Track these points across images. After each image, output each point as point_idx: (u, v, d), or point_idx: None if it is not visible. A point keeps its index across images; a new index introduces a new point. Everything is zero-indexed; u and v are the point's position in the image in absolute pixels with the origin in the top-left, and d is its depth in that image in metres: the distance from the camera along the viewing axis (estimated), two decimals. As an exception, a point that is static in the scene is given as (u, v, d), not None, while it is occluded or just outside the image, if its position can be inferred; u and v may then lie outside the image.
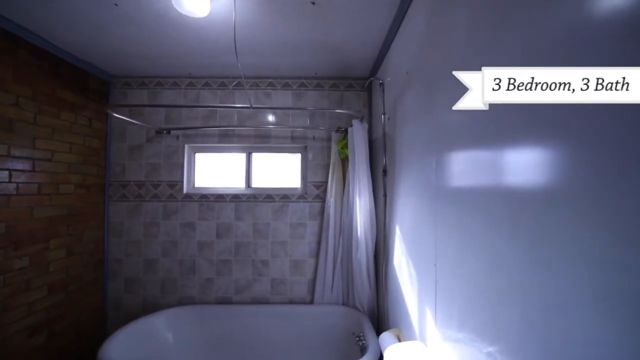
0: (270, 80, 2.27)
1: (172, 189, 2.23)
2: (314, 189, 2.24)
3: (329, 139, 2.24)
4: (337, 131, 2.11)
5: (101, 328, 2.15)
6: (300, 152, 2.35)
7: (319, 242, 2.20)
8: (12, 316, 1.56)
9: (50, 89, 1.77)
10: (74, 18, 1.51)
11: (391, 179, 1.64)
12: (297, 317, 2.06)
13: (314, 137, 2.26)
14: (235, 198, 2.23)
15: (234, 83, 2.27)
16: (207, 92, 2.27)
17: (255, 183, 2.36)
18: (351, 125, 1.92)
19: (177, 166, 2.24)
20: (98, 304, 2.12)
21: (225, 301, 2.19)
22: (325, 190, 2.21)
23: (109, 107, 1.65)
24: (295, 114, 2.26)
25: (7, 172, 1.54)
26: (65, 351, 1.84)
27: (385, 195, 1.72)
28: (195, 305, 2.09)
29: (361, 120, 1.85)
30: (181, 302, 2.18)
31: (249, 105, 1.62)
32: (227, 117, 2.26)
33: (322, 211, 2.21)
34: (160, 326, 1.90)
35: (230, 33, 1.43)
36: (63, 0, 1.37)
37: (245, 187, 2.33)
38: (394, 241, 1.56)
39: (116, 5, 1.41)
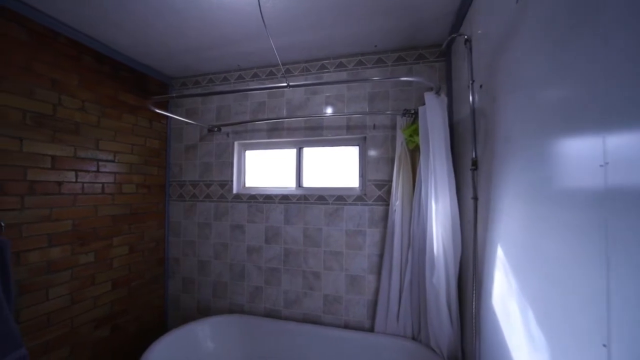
0: (322, 62, 1.95)
1: (222, 189, 2.13)
2: (375, 189, 1.82)
3: (393, 127, 1.79)
4: (403, 114, 1.64)
5: (162, 325, 2.20)
6: (358, 145, 1.95)
7: (381, 256, 1.77)
8: (80, 308, 1.64)
9: (112, 92, 1.84)
10: (126, 18, 1.48)
11: (486, 175, 1.11)
12: (354, 346, 1.68)
13: (374, 126, 1.84)
14: (284, 199, 1.99)
15: (283, 70, 2.03)
16: (256, 83, 2.09)
17: (307, 182, 2.08)
18: (423, 104, 1.43)
19: (227, 165, 2.14)
20: (159, 302, 2.17)
21: (274, 314, 1.96)
22: (389, 191, 1.77)
23: (149, 102, 1.58)
24: (351, 99, 1.88)
25: (73, 173, 1.62)
26: (127, 346, 1.91)
27: (475, 199, 1.19)
28: (243, 316, 1.93)
29: (437, 93, 1.34)
30: (231, 309, 2.05)
31: (285, 85, 1.32)
32: (275, 109, 2.04)
33: (386, 217, 1.77)
34: (203, 335, 1.79)
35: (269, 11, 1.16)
36: (115, 3, 1.34)
37: (296, 187, 2.07)
38: (492, 267, 1.03)
39: (148, -11, 1.29)
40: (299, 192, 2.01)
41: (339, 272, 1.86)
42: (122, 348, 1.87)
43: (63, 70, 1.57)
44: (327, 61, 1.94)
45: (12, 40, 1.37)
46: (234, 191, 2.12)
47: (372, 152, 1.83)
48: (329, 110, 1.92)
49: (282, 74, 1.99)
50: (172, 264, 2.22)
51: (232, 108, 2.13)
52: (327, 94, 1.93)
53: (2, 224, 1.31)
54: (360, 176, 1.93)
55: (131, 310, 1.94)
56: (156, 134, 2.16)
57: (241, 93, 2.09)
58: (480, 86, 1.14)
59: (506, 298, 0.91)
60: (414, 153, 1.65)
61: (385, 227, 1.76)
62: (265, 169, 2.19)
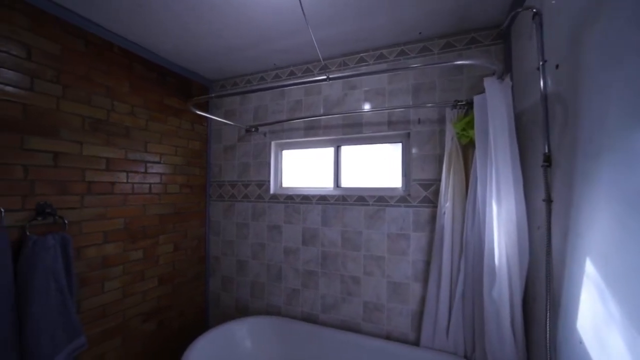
0: (361, 54, 1.84)
1: (260, 189, 2.13)
2: (421, 189, 1.67)
3: (441, 120, 1.62)
4: (454, 107, 1.47)
5: (203, 322, 2.27)
6: (401, 141, 1.81)
7: (427, 263, 1.62)
8: (130, 302, 1.74)
9: (158, 97, 1.93)
10: (170, 25, 1.53)
11: (564, 173, 0.92)
12: (397, 359, 1.55)
13: (419, 120, 1.69)
14: (322, 200, 1.92)
15: (319, 67, 1.97)
16: (292, 81, 2.04)
17: (345, 182, 1.99)
18: (479, 93, 1.26)
19: (264, 165, 2.13)
20: (200, 299, 2.24)
21: (311, 318, 1.90)
22: (437, 192, 1.60)
23: (190, 103, 1.62)
24: (393, 92, 1.75)
25: (124, 174, 1.72)
26: (171, 340, 1.98)
27: (548, 201, 1.00)
28: (280, 318, 1.90)
29: (500, 77, 1.16)
30: (268, 310, 2.04)
31: (325, 77, 1.25)
32: (312, 107, 1.98)
33: (433, 220, 1.61)
34: (241, 334, 1.79)
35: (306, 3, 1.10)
36: (155, 10, 1.38)
37: (334, 187, 1.99)
38: (576, 286, 0.85)
39: (188, -8, 1.31)
40: (337, 192, 1.93)
41: (380, 278, 1.74)
42: (167, 342, 1.95)
43: (116, 77, 1.67)
44: (365, 54, 1.83)
45: (75, 53, 1.48)
46: (271, 191, 2.10)
47: (417, 149, 1.68)
48: (369, 106, 1.81)
49: (322, 67, 1.92)
50: (212, 263, 2.28)
51: (269, 108, 2.12)
52: (366, 89, 1.82)
53: (66, 221, 1.42)
54: (403, 175, 1.79)
55: (175, 306, 2.02)
56: (198, 136, 2.24)
57: (278, 92, 2.08)
58: (557, 66, 0.95)
59: (601, 327, 0.73)
60: (467, 149, 1.47)
61: (432, 231, 1.60)
62: (302, 168, 2.15)
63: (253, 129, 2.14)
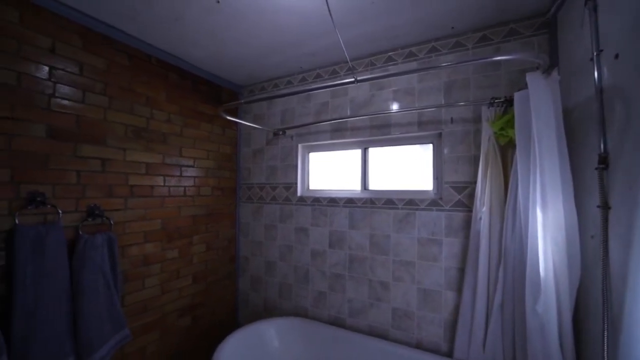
0: (389, 54, 1.79)
1: (287, 192, 2.16)
2: (454, 192, 1.58)
3: (476, 120, 1.52)
4: (490, 104, 1.37)
5: (234, 320, 2.34)
6: (432, 142, 1.73)
7: (461, 270, 1.53)
8: (167, 298, 1.84)
9: (192, 104, 2.03)
10: (202, 35, 1.60)
11: (625, 176, 0.82)
12: (429, 370, 1.48)
13: (451, 120, 1.60)
14: (349, 203, 1.90)
15: (346, 68, 1.95)
16: (319, 84, 2.05)
17: (373, 185, 1.95)
18: (519, 89, 1.16)
19: (291, 168, 2.15)
20: (231, 298, 2.32)
21: (338, 322, 1.89)
22: (471, 195, 1.51)
23: (220, 109, 1.68)
24: (423, 91, 1.68)
25: (162, 177, 1.83)
26: (204, 336, 2.07)
27: (605, 208, 0.89)
28: (307, 320, 1.90)
29: (545, 72, 1.06)
30: (296, 312, 2.06)
31: (352, 80, 1.23)
32: (338, 109, 1.96)
33: (467, 225, 1.52)
34: (269, 334, 1.82)
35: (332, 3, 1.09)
36: (189, 22, 1.45)
37: (361, 190, 1.95)
38: (640, 306, 0.75)
39: (218, 2, 1.36)
40: (365, 195, 1.90)
41: (410, 284, 1.67)
42: (201, 338, 2.05)
43: (154, 87, 1.78)
44: (394, 52, 1.78)
45: (119, 67, 1.60)
46: (298, 194, 2.12)
47: (450, 150, 1.60)
48: (397, 106, 1.75)
49: (348, 68, 1.90)
50: (242, 263, 2.35)
51: (295, 110, 2.14)
52: (395, 88, 1.76)
53: (112, 222, 1.55)
54: (434, 178, 1.71)
55: (208, 304, 2.11)
56: (228, 140, 2.32)
57: (304, 95, 2.09)
58: (616, 56, 0.85)
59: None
60: (506, 150, 1.37)
61: (466, 237, 1.51)
62: (329, 171, 2.14)
63: (280, 132, 2.17)
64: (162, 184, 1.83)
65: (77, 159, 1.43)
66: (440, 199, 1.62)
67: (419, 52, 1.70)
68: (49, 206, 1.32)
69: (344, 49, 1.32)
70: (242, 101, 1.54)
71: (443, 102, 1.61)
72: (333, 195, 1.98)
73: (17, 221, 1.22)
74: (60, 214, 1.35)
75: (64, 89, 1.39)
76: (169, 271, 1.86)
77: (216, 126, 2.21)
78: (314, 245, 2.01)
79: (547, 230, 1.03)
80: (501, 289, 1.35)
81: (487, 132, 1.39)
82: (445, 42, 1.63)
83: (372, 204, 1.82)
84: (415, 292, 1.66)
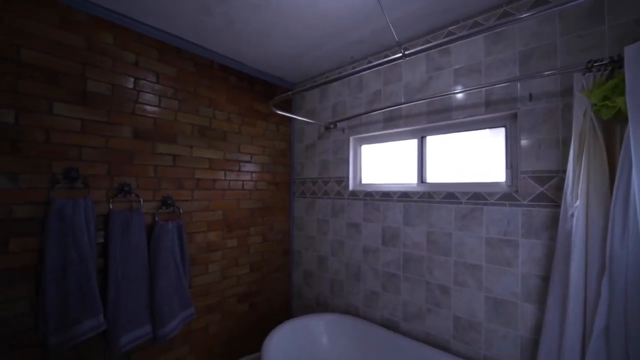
0: (448, 28, 1.59)
1: (339, 186, 2.11)
2: (534, 184, 1.30)
3: (565, 92, 1.22)
4: (587, 70, 1.08)
5: (287, 310, 2.41)
6: (505, 125, 1.47)
7: (545, 279, 1.25)
8: (227, 283, 1.99)
9: (249, 103, 2.16)
10: (253, 35, 1.69)
11: None
12: (502, 395, 1.25)
13: (530, 96, 1.32)
14: (404, 197, 1.75)
15: (398, 52, 1.80)
16: (370, 73, 1.95)
17: (431, 177, 1.75)
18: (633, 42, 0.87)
19: (343, 161, 2.10)
20: (285, 289, 2.39)
21: (391, 325, 1.75)
22: (559, 187, 1.22)
23: (271, 103, 1.73)
24: (492, 66, 1.43)
25: (222, 172, 1.99)
26: (259, 323, 2.18)
27: None
28: (358, 319, 1.82)
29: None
30: (347, 309, 1.99)
31: (400, 55, 1.11)
32: (392, 97, 1.83)
33: (553, 224, 1.23)
34: (318, 329, 1.81)
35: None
36: (243, 22, 1.55)
37: (418, 183, 1.78)
38: None
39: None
40: (422, 188, 1.72)
41: (475, 290, 1.44)
42: (256, 323, 2.16)
43: (216, 90, 1.95)
44: (454, 26, 1.56)
45: (187, 73, 1.80)
46: (350, 188, 2.06)
47: (528, 133, 1.32)
48: (460, 87, 1.54)
49: (400, 49, 1.76)
50: (295, 256, 2.40)
51: (347, 103, 2.08)
52: (457, 67, 1.55)
53: (181, 211, 1.74)
54: (508, 167, 1.44)
55: (263, 292, 2.22)
56: (282, 136, 2.40)
57: (355, 86, 2.02)
58: None
59: None
60: (612, 126, 1.05)
61: (552, 238, 1.23)
62: (383, 164, 2.02)
63: (332, 126, 2.14)
64: (223, 178, 1.99)
65: (154, 155, 1.65)
66: (516, 191, 1.35)
67: (485, 22, 1.46)
68: (133, 195, 1.56)
69: (393, 30, 1.21)
70: (291, 92, 1.55)
71: (518, 75, 1.34)
72: (386, 189, 1.86)
73: (111, 207, 1.47)
74: (142, 202, 1.58)
75: (144, 96, 1.62)
76: (229, 259, 2.01)
77: (271, 123, 2.31)
78: (366, 242, 1.92)
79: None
80: (605, 308, 1.04)
81: (581, 105, 1.10)
82: (521, 3, 1.35)
83: (430, 198, 1.63)
84: (482, 300, 1.42)
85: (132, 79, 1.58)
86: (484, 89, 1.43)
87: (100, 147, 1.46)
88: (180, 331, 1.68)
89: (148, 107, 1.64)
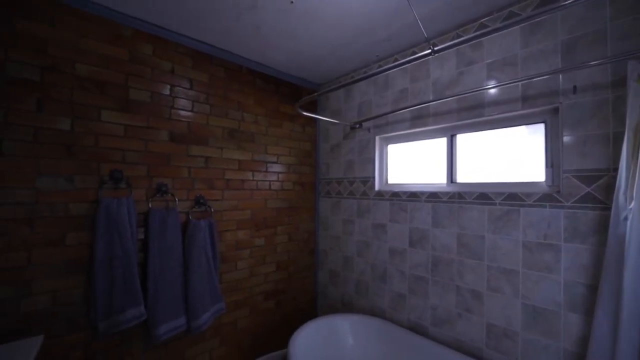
0: (481, 20, 1.51)
1: (364, 186, 2.09)
2: (580, 184, 1.20)
3: (617, 83, 1.11)
4: (641, 57, 0.97)
5: (313, 309, 2.43)
6: (545, 121, 1.36)
7: (592, 288, 1.14)
8: (255, 280, 2.06)
9: (275, 105, 2.21)
10: (281, 37, 1.73)
11: None
12: (542, 411, 1.16)
13: (574, 89, 1.22)
14: (432, 197, 1.69)
15: (427, 48, 1.74)
16: (396, 71, 1.91)
17: (461, 177, 1.68)
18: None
19: (369, 161, 2.08)
20: (310, 288, 2.41)
21: (419, 329, 1.70)
22: (609, 187, 1.11)
23: (296, 105, 1.75)
24: (530, 58, 1.34)
25: (250, 173, 2.06)
26: (286, 320, 2.22)
27: None
28: (385, 321, 1.79)
29: None
30: (373, 311, 1.97)
31: (429, 51, 1.08)
32: (419, 94, 1.78)
33: (601, 228, 1.12)
34: (344, 329, 1.80)
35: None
36: (270, 27, 1.60)
37: (447, 183, 1.71)
38: None
39: (292, 2, 1.43)
40: (451, 189, 1.65)
41: (511, 297, 1.36)
42: (283, 321, 2.20)
43: (244, 93, 2.02)
44: (487, 18, 1.48)
45: (218, 79, 1.89)
46: (376, 188, 2.03)
47: (572, 129, 1.22)
48: (494, 82, 1.46)
49: (428, 46, 1.70)
50: (321, 256, 2.42)
51: (372, 102, 2.06)
52: (490, 60, 1.47)
53: (212, 210, 1.83)
54: (548, 166, 1.34)
55: (289, 291, 2.26)
56: (308, 137, 2.43)
57: (381, 84, 1.99)
58: None
59: None
60: (673, 119, 0.94)
61: (601, 243, 1.12)
62: (410, 163, 1.97)
63: (357, 125, 2.13)
64: (251, 179, 2.06)
65: (188, 157, 1.75)
66: (558, 192, 1.25)
67: (522, 11, 1.37)
68: (169, 195, 1.66)
69: (421, 26, 1.18)
70: (316, 93, 1.57)
71: (560, 66, 1.24)
72: (414, 190, 1.81)
73: (150, 205, 1.59)
74: (177, 202, 1.68)
75: (180, 101, 1.73)
76: (257, 257, 2.07)
77: (297, 124, 2.34)
78: (392, 243, 1.88)
79: None
80: (666, 322, 0.93)
81: (637, 96, 0.99)
82: (564, -12, 1.25)
83: (461, 198, 1.57)
84: (519, 307, 1.33)
85: (169, 86, 1.69)
86: (520, 83, 1.34)
87: (141, 150, 1.58)
88: (211, 324, 1.77)
89: (182, 112, 1.74)
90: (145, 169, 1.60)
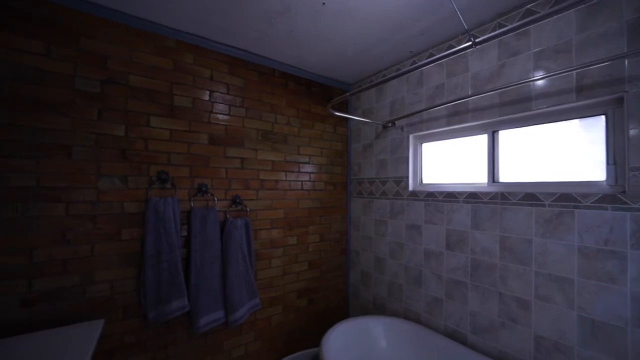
0: (526, 6, 1.39)
1: (397, 186, 2.04)
2: (649, 183, 1.05)
3: (698, 67, 0.96)
4: None
5: (344, 309, 2.42)
6: (605, 113, 1.22)
7: (668, 302, 0.99)
8: (288, 279, 2.11)
9: (307, 106, 2.24)
10: (312, 39, 1.76)
11: None
12: None
13: (642, 75, 1.07)
14: (471, 197, 1.60)
15: (465, 40, 1.65)
16: (431, 66, 1.83)
17: (504, 176, 1.56)
18: None
19: (402, 160, 2.02)
20: (342, 287, 2.41)
21: (457, 336, 1.62)
22: (688, 187, 0.96)
23: (329, 105, 1.75)
24: (586, 44, 1.21)
25: (284, 173, 2.11)
26: (318, 319, 2.24)
27: None
28: (420, 326, 1.73)
29: None
30: (406, 315, 1.91)
31: (470, 43, 1.02)
32: (457, 90, 1.69)
33: (680, 234, 0.97)
34: (376, 331, 1.77)
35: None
36: (302, 29, 1.63)
37: (489, 183, 1.61)
38: None
39: (323, 4, 1.44)
40: (493, 188, 1.55)
41: (565, 308, 1.23)
42: (315, 319, 2.22)
43: (277, 96, 2.08)
44: (533, 3, 1.36)
45: (252, 83, 1.96)
46: (410, 188, 1.97)
47: (636, 122, 1.07)
48: (542, 72, 1.34)
49: (468, 40, 1.61)
50: (353, 256, 2.40)
51: (405, 99, 2.00)
52: (537, 49, 1.35)
53: (248, 209, 1.91)
54: (610, 163, 1.19)
55: (321, 290, 2.27)
56: (339, 137, 2.43)
57: (415, 81, 1.93)
58: None
59: None
60: None
61: (679, 252, 0.97)
62: (446, 162, 1.88)
63: (390, 124, 2.08)
64: (284, 179, 2.11)
65: (225, 159, 1.85)
66: (622, 192, 1.11)
67: (577, -8, 1.23)
68: (209, 194, 1.77)
69: (461, 17, 1.12)
70: (348, 94, 1.56)
71: (626, 50, 1.10)
72: (451, 189, 1.72)
73: (192, 204, 1.70)
74: (216, 201, 1.78)
75: (218, 106, 1.83)
76: (290, 255, 2.12)
77: (328, 125, 2.35)
78: (427, 245, 1.81)
79: None
80: None
81: None
82: (629, -38, 1.11)
83: (504, 199, 1.46)
84: (574, 320, 1.20)
85: (208, 92, 1.80)
86: (575, 71, 1.21)
87: (184, 152, 1.69)
88: (247, 319, 1.84)
89: (220, 116, 1.83)
90: (187, 170, 1.71)
